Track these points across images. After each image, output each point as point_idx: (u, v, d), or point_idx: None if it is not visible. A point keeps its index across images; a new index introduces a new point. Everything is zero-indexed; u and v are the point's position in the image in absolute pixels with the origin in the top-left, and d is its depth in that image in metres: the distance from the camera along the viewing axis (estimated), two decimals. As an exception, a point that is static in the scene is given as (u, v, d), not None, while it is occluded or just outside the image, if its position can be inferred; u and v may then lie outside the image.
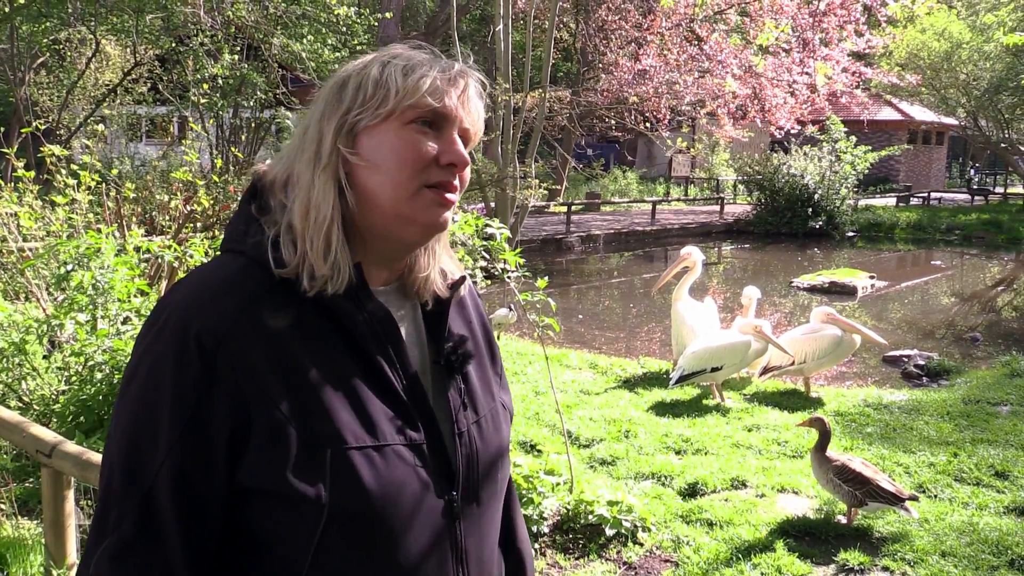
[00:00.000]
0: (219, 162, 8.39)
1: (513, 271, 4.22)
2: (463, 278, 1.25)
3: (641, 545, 4.01)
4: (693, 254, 7.40)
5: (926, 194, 29.91)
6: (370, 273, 1.13)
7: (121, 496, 1.02)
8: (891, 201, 27.54)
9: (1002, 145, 29.51)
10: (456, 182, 1.13)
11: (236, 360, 1.01)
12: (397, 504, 1.05)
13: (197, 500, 1.01)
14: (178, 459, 1.00)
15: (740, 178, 24.80)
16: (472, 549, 1.15)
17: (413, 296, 1.20)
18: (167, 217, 7.39)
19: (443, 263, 1.22)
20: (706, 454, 5.29)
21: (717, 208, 24.63)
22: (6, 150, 6.29)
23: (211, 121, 12.77)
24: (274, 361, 1.03)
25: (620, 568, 3.83)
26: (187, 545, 1.01)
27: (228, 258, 1.10)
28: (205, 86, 11.45)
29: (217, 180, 7.33)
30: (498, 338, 8.35)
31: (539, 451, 5.14)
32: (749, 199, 23.95)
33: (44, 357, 4.90)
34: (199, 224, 6.73)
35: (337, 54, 12.56)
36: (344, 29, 12.12)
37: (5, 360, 4.55)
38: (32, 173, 5.87)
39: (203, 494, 1.02)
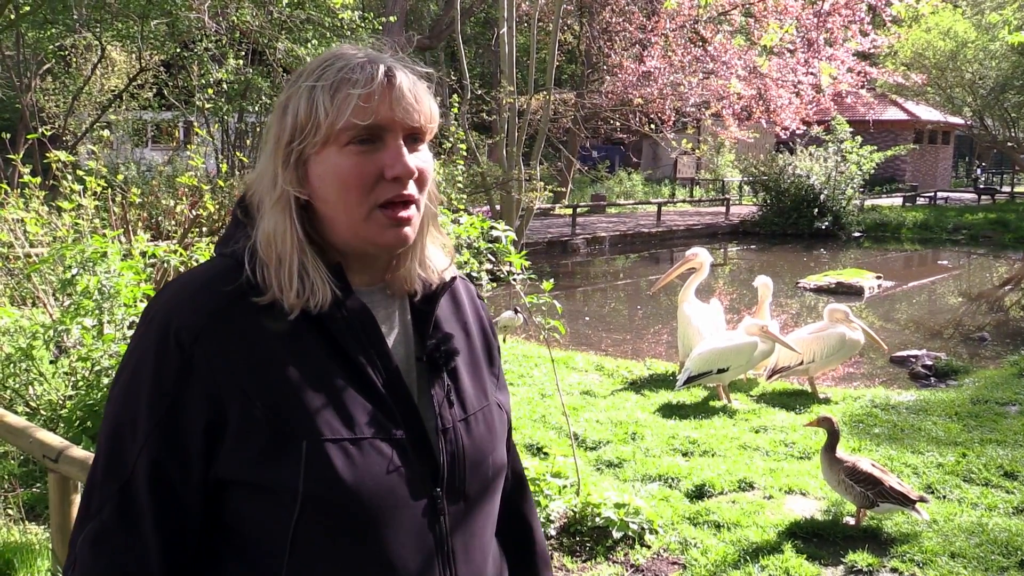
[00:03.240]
0: (224, 167, 8.41)
1: (518, 274, 4.22)
2: (454, 278, 1.25)
3: (648, 547, 4.00)
4: (700, 255, 7.38)
5: (932, 194, 29.83)
6: (352, 275, 1.14)
7: (103, 483, 1.06)
8: (897, 201, 27.48)
9: (1008, 144, 29.42)
10: (411, 191, 1.11)
11: (213, 355, 1.04)
12: (374, 497, 1.06)
13: (172, 489, 1.04)
14: (154, 449, 1.04)
15: (745, 179, 24.76)
16: (459, 547, 1.15)
17: (400, 293, 1.21)
18: (173, 222, 7.41)
19: (428, 254, 1.21)
20: (713, 456, 5.27)
21: (723, 209, 24.61)
22: (12, 156, 6.31)
23: (216, 126, 12.79)
24: (251, 357, 1.06)
25: (628, 571, 3.82)
26: (162, 532, 1.04)
27: (214, 260, 1.15)
28: (210, 91, 11.48)
29: (223, 185, 7.35)
30: (504, 341, 8.35)
31: (545, 453, 5.13)
32: (755, 200, 23.92)
33: (51, 362, 4.91)
34: (205, 229, 6.74)
35: (342, 58, 12.51)
36: (348, 33, 12.13)
37: (12, 366, 4.56)
38: (38, 179, 5.89)
39: (178, 483, 1.05)
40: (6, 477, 4.32)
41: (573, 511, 4.10)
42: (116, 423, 1.07)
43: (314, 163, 1.09)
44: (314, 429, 1.05)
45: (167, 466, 1.04)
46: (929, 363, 8.16)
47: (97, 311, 4.32)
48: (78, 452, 2.99)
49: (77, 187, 5.54)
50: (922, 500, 4.13)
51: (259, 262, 1.09)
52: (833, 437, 4.27)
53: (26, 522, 3.91)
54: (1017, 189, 35.76)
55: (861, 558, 3.90)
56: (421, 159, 1.12)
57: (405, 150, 1.10)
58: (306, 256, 1.08)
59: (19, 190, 5.89)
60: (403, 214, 1.10)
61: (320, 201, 1.10)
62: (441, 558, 1.12)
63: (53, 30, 14.39)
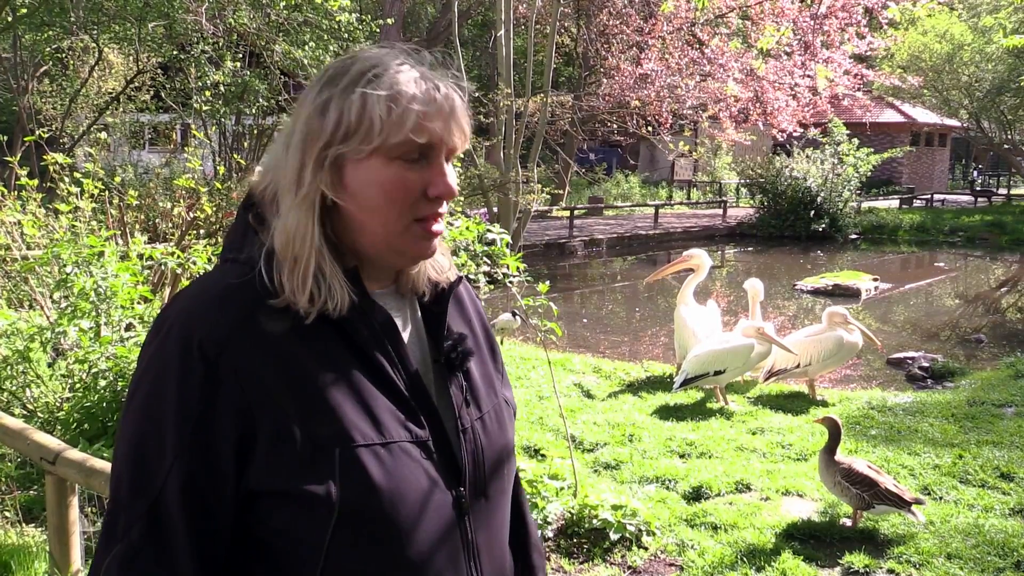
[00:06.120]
0: (222, 169, 8.41)
1: (515, 276, 4.22)
2: (460, 279, 1.26)
3: (646, 549, 4.00)
4: (699, 256, 7.39)
5: (929, 196, 29.89)
6: (367, 277, 1.14)
7: (129, 503, 1.03)
8: (894, 203, 27.51)
9: (1005, 146, 29.51)
10: (444, 208, 1.13)
11: (239, 366, 1.03)
12: (406, 500, 1.06)
13: (205, 505, 1.03)
14: (185, 466, 1.01)
15: (743, 181, 24.80)
16: (483, 544, 1.16)
17: (409, 294, 1.21)
18: (170, 224, 7.40)
19: (436, 258, 1.22)
20: (710, 458, 5.28)
21: (720, 211, 24.62)
22: (9, 158, 6.31)
23: (213, 128, 12.79)
24: (276, 366, 1.04)
25: (625, 572, 3.82)
26: (195, 551, 1.02)
27: (227, 267, 1.12)
28: (207, 93, 11.47)
29: (220, 187, 7.34)
30: (501, 343, 8.36)
31: (543, 455, 5.14)
32: (752, 202, 23.97)
33: (48, 365, 4.91)
34: (202, 231, 6.74)
35: (339, 60, 12.52)
36: (346, 36, 12.15)
37: (9, 368, 4.56)
38: (35, 181, 5.88)
39: (210, 499, 1.03)
40: (3, 479, 4.31)
41: (570, 513, 4.10)
42: (139, 440, 1.04)
43: (354, 169, 1.07)
44: (345, 436, 1.04)
45: (199, 481, 1.02)
46: (926, 365, 8.18)
47: (94, 313, 4.31)
48: (75, 454, 2.99)
49: (74, 189, 5.54)
50: (917, 502, 4.14)
51: (276, 265, 1.07)
52: (834, 439, 4.27)
53: (23, 524, 3.91)
54: (1013, 191, 35.87)
55: (858, 559, 3.90)
56: (453, 176, 1.13)
57: (448, 169, 1.11)
58: (324, 259, 1.07)
59: (16, 192, 5.88)
60: (436, 227, 1.12)
61: (356, 207, 1.08)
62: (467, 556, 1.13)
63: (50, 32, 14.37)
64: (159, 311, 1.12)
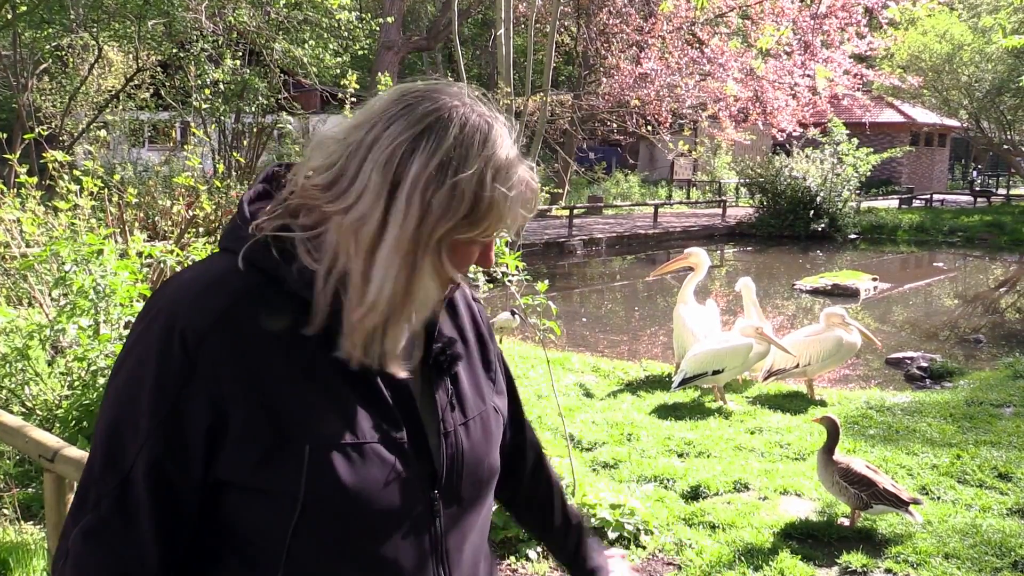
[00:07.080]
0: (221, 167, 8.41)
1: (514, 275, 4.22)
2: (457, 284, 1.25)
3: (644, 548, 4.01)
4: (696, 255, 7.39)
5: (928, 196, 29.89)
6: None
7: (101, 478, 1.05)
8: (893, 203, 27.52)
9: (1004, 147, 29.51)
10: None
11: (218, 357, 1.04)
12: (374, 501, 1.06)
13: (171, 487, 1.05)
14: (154, 448, 1.03)
15: (742, 181, 24.79)
16: (453, 549, 1.16)
17: None
18: (169, 222, 7.42)
19: None
20: (708, 457, 5.28)
21: (719, 211, 24.62)
22: (9, 156, 6.31)
23: (213, 126, 12.79)
24: (256, 359, 1.05)
25: (623, 571, 3.82)
26: (159, 528, 1.05)
27: (220, 256, 1.12)
28: (207, 91, 11.48)
29: (219, 185, 7.35)
30: (500, 342, 8.35)
31: (541, 454, 5.13)
32: (751, 202, 23.96)
33: (47, 362, 4.91)
34: (201, 229, 6.75)
35: (339, 59, 12.60)
36: (345, 34, 12.16)
37: (8, 365, 4.56)
38: (35, 179, 5.88)
39: (178, 482, 1.05)
40: (2, 477, 4.32)
41: (568, 512, 4.09)
42: (116, 419, 1.06)
43: (452, 245, 1.09)
44: (317, 434, 1.05)
45: (167, 465, 1.03)
46: (924, 365, 8.18)
47: (93, 311, 4.32)
48: (74, 452, 2.98)
49: (74, 187, 5.54)
50: (915, 502, 4.14)
51: (325, 295, 1.06)
52: (832, 438, 4.27)
53: (22, 522, 3.91)
54: (1013, 192, 35.88)
55: (855, 559, 3.91)
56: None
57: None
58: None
59: (15, 190, 5.88)
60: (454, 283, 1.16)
61: None
62: (436, 559, 1.13)
63: (50, 30, 14.38)
64: (152, 293, 1.13)
